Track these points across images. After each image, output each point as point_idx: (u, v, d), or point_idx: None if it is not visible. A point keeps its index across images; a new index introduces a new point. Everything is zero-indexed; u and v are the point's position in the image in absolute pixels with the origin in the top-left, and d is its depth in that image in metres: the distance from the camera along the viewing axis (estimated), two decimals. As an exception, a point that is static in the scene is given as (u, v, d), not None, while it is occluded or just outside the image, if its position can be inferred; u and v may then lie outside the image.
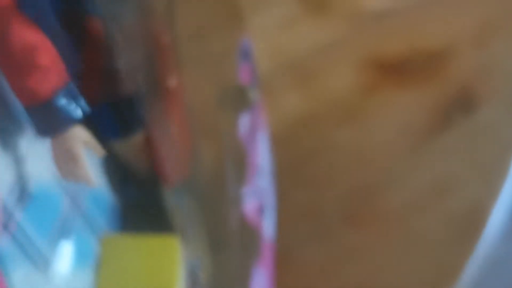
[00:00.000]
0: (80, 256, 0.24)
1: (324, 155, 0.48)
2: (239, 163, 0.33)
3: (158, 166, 0.27)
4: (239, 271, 0.34)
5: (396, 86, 0.49)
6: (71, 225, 0.24)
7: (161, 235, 0.27)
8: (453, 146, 0.48)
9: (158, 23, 0.26)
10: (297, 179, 0.47)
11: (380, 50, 0.49)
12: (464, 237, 0.45)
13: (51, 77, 0.21)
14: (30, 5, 0.21)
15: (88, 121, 0.23)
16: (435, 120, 0.49)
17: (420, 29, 0.50)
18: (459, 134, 0.48)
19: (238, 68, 0.33)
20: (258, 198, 0.36)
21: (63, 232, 0.24)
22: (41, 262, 0.22)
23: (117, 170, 0.26)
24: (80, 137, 0.22)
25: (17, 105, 0.21)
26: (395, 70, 0.49)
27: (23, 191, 0.22)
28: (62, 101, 0.21)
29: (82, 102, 0.22)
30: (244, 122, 0.33)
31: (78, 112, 0.22)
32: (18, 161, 0.22)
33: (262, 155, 0.39)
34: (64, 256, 0.24)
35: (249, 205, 0.34)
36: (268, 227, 0.39)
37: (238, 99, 0.33)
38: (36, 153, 0.23)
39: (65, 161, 0.22)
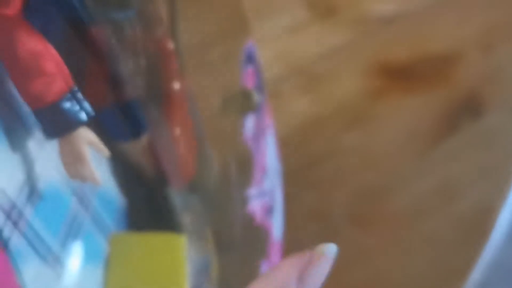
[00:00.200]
0: (89, 254, 0.25)
1: (332, 158, 0.48)
2: (245, 165, 0.33)
3: (164, 168, 0.27)
4: (247, 270, 0.34)
5: (403, 90, 0.49)
6: (80, 224, 0.25)
7: (168, 234, 0.27)
8: (460, 150, 0.48)
9: (161, 29, 0.26)
10: (306, 181, 0.47)
11: (387, 55, 0.50)
12: (471, 239, 0.45)
13: (56, 82, 0.22)
14: (35, 15, 0.22)
15: (96, 124, 0.24)
16: (442, 124, 0.49)
17: (427, 35, 0.50)
18: (466, 138, 0.48)
19: (243, 72, 0.34)
20: (265, 199, 0.37)
21: (72, 231, 0.24)
22: (51, 260, 0.23)
23: (125, 171, 0.27)
24: (86, 138, 0.23)
25: (25, 108, 0.22)
26: (402, 75, 0.49)
27: (32, 191, 0.23)
28: (67, 105, 0.22)
29: (87, 105, 0.23)
30: (249, 125, 0.34)
31: (82, 115, 0.23)
32: (27, 162, 0.23)
33: (269, 157, 0.39)
34: (74, 254, 0.24)
35: (256, 206, 0.35)
36: (276, 228, 0.39)
37: (243, 103, 0.33)
38: (44, 154, 0.23)
39: (72, 161, 0.23)
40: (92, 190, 0.25)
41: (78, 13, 0.23)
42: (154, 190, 0.28)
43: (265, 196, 0.37)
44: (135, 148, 0.27)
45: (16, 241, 0.22)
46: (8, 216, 0.21)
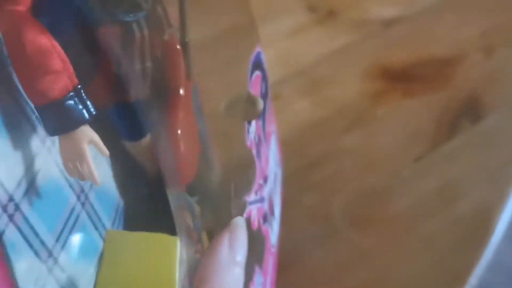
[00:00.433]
0: (83, 250, 0.25)
1: (332, 159, 0.48)
2: (246, 171, 0.33)
3: (163, 169, 0.28)
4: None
5: (403, 92, 0.49)
6: (76, 220, 0.25)
7: (162, 235, 0.27)
8: (460, 152, 0.48)
9: (170, 31, 0.26)
10: (306, 183, 0.47)
11: (387, 58, 0.50)
12: (471, 241, 0.45)
13: (61, 80, 0.22)
14: (44, 13, 0.22)
15: (100, 122, 0.24)
16: (442, 126, 0.49)
17: (427, 37, 0.51)
18: (466, 140, 0.49)
19: (249, 78, 0.34)
20: (264, 205, 0.37)
21: (67, 226, 0.24)
22: (44, 254, 0.23)
23: (126, 170, 0.27)
24: (87, 137, 0.23)
25: (28, 104, 0.23)
26: (402, 77, 0.50)
27: (31, 185, 0.23)
28: (70, 103, 0.22)
29: (90, 104, 0.23)
30: (252, 130, 0.33)
31: (85, 114, 0.23)
32: (28, 156, 0.23)
33: (271, 163, 0.39)
34: (68, 250, 0.24)
35: (254, 212, 0.34)
36: (272, 234, 0.39)
37: (247, 108, 0.33)
38: (45, 149, 0.24)
39: (72, 159, 0.23)
40: (90, 187, 0.26)
41: (86, 12, 0.23)
42: (153, 190, 0.28)
43: (264, 202, 0.37)
44: (138, 148, 0.27)
45: (10, 235, 0.22)
46: (4, 209, 0.22)
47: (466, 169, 0.48)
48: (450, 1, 0.54)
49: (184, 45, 0.27)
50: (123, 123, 0.27)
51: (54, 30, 0.23)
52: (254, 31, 0.37)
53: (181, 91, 0.27)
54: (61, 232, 0.24)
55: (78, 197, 0.25)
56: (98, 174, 0.24)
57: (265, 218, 0.37)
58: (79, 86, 0.23)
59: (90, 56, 0.25)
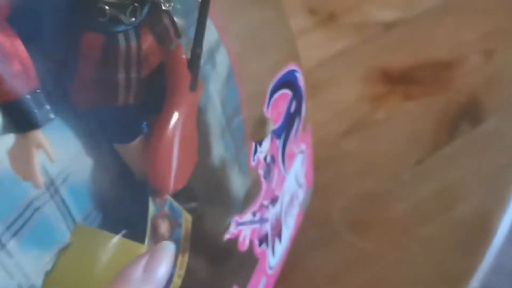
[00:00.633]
0: (41, 239, 0.25)
1: (332, 163, 0.48)
2: (245, 190, 0.33)
3: (151, 174, 0.28)
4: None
5: (403, 96, 0.49)
6: (36, 211, 0.25)
7: (131, 240, 0.27)
8: (460, 155, 0.48)
9: (174, 40, 0.26)
10: (305, 186, 0.47)
11: (387, 61, 0.50)
12: (471, 245, 0.45)
13: (19, 83, 0.22)
14: (22, 21, 0.22)
15: (88, 122, 0.24)
16: (442, 129, 0.49)
17: (427, 40, 0.51)
18: (466, 144, 0.49)
19: (268, 95, 0.33)
20: (263, 226, 0.36)
21: (24, 217, 0.24)
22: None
23: (110, 171, 0.27)
24: (36, 141, 0.23)
25: None
26: (402, 80, 0.50)
27: None
28: (24, 106, 0.23)
29: (46, 109, 0.23)
30: (262, 150, 0.33)
31: (40, 118, 0.23)
32: None
33: (287, 183, 0.38)
34: (20, 238, 0.24)
35: (245, 232, 0.34)
36: (272, 257, 0.38)
37: (256, 128, 0.32)
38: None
39: (19, 159, 0.23)
40: (64, 180, 0.25)
41: (72, 18, 0.24)
42: (135, 194, 0.28)
43: (264, 224, 0.36)
44: (127, 149, 0.27)
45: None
46: None
47: (466, 172, 0.48)
48: (450, 5, 0.54)
49: (194, 56, 0.27)
50: (110, 124, 0.27)
51: (35, 38, 0.23)
52: (288, 47, 0.36)
53: (180, 100, 0.27)
54: (15, 221, 0.24)
55: (47, 189, 0.25)
56: (80, 167, 0.25)
57: (263, 240, 0.36)
58: (38, 92, 0.23)
59: (71, 58, 0.25)
